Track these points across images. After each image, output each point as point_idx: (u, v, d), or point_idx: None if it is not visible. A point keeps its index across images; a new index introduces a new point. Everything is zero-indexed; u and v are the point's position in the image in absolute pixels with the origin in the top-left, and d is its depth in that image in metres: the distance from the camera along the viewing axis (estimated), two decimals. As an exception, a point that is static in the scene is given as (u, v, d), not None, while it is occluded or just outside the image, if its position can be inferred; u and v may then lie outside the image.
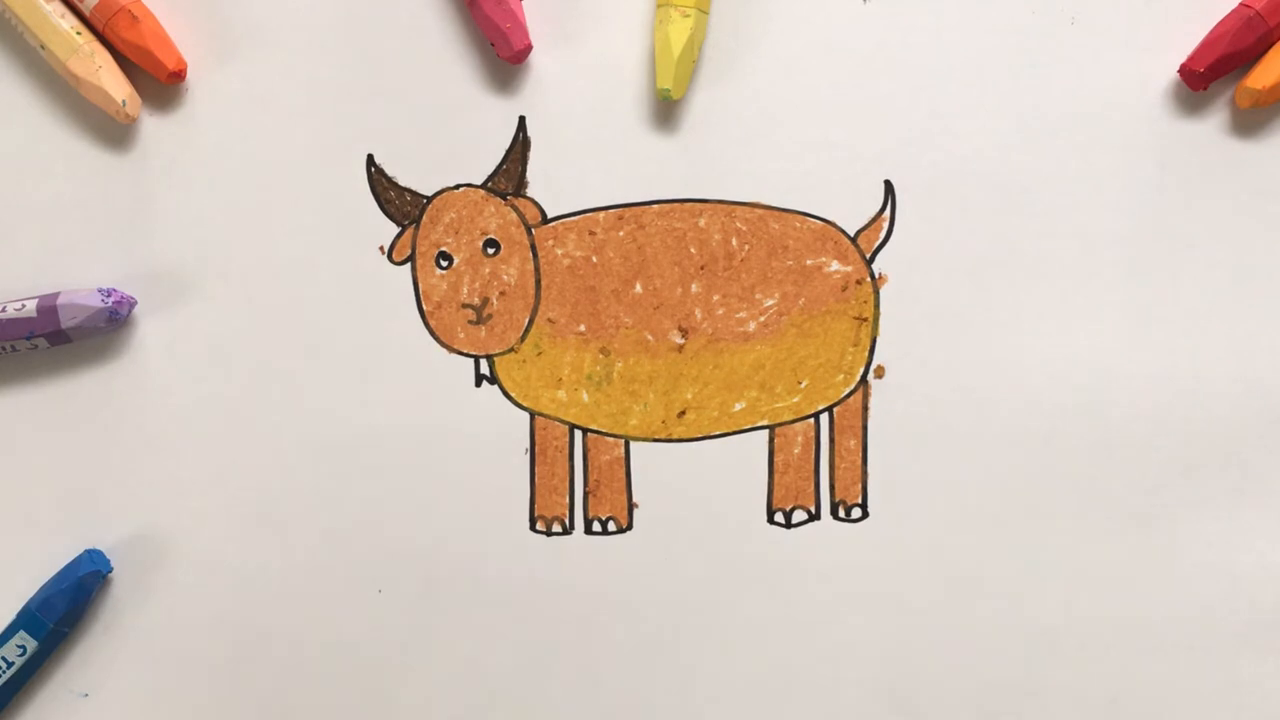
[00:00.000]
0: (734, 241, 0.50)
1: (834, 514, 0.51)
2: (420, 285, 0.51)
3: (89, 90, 0.49)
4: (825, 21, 0.50)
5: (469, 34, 0.50)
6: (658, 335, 0.51)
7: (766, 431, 0.51)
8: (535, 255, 0.51)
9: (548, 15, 0.50)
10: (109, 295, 0.49)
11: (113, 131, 0.50)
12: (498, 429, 0.51)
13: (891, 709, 0.51)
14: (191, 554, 0.51)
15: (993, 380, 0.50)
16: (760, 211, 0.50)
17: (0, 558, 0.51)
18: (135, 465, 0.51)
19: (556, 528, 0.51)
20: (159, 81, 0.50)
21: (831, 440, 0.51)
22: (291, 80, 0.50)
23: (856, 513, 0.51)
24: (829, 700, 0.51)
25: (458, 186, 0.50)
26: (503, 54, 0.49)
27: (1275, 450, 0.50)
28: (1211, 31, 0.49)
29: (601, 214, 0.50)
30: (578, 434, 0.51)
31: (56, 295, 0.49)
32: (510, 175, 0.50)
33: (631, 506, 0.51)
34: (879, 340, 0.51)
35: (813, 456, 0.51)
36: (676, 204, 0.50)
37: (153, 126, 0.51)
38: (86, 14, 0.49)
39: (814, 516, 0.51)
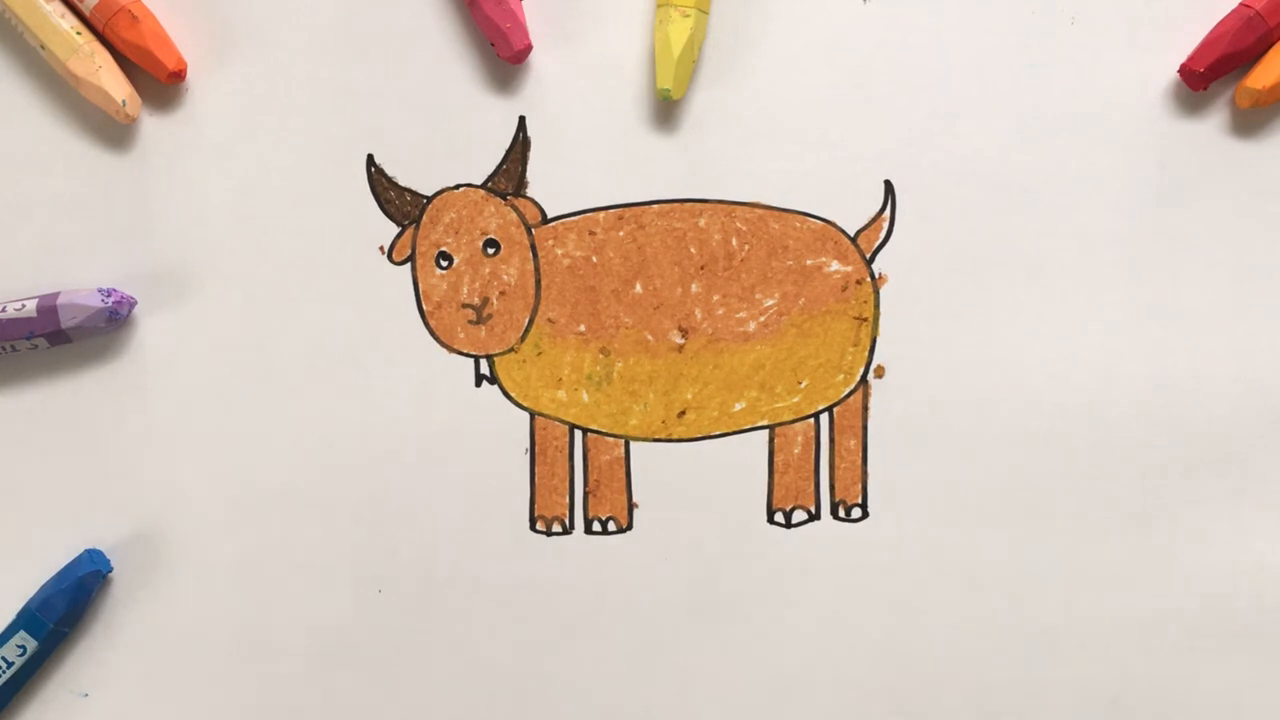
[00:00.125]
0: (734, 241, 0.50)
1: (834, 514, 0.51)
2: (420, 285, 0.51)
3: (89, 90, 0.49)
4: (825, 21, 0.50)
5: (469, 34, 0.50)
6: (658, 335, 0.51)
7: (766, 431, 0.51)
8: (535, 255, 0.51)
9: (548, 15, 0.50)
10: (109, 295, 0.49)
11: (113, 131, 0.50)
12: (498, 429, 0.51)
13: (891, 709, 0.51)
14: (191, 554, 0.51)
15: (993, 380, 0.50)
16: (760, 211, 0.50)
17: (0, 558, 0.51)
18: (135, 465, 0.51)
19: (556, 528, 0.51)
20: (159, 81, 0.50)
21: (831, 440, 0.51)
22: (291, 80, 0.50)
23: (856, 513, 0.51)
24: (829, 700, 0.51)
25: (458, 186, 0.50)
26: (503, 54, 0.49)
27: (1275, 450, 0.50)
28: (1211, 31, 0.49)
29: (601, 214, 0.50)
30: (578, 434, 0.51)
31: (56, 295, 0.49)
32: (510, 175, 0.50)
33: (631, 506, 0.51)
34: (879, 340, 0.51)
35: (813, 456, 0.51)
36: (676, 204, 0.50)
37: (153, 126, 0.51)
38: (86, 14, 0.49)
39: (814, 516, 0.51)
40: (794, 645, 0.51)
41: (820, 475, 0.51)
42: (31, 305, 0.49)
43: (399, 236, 0.51)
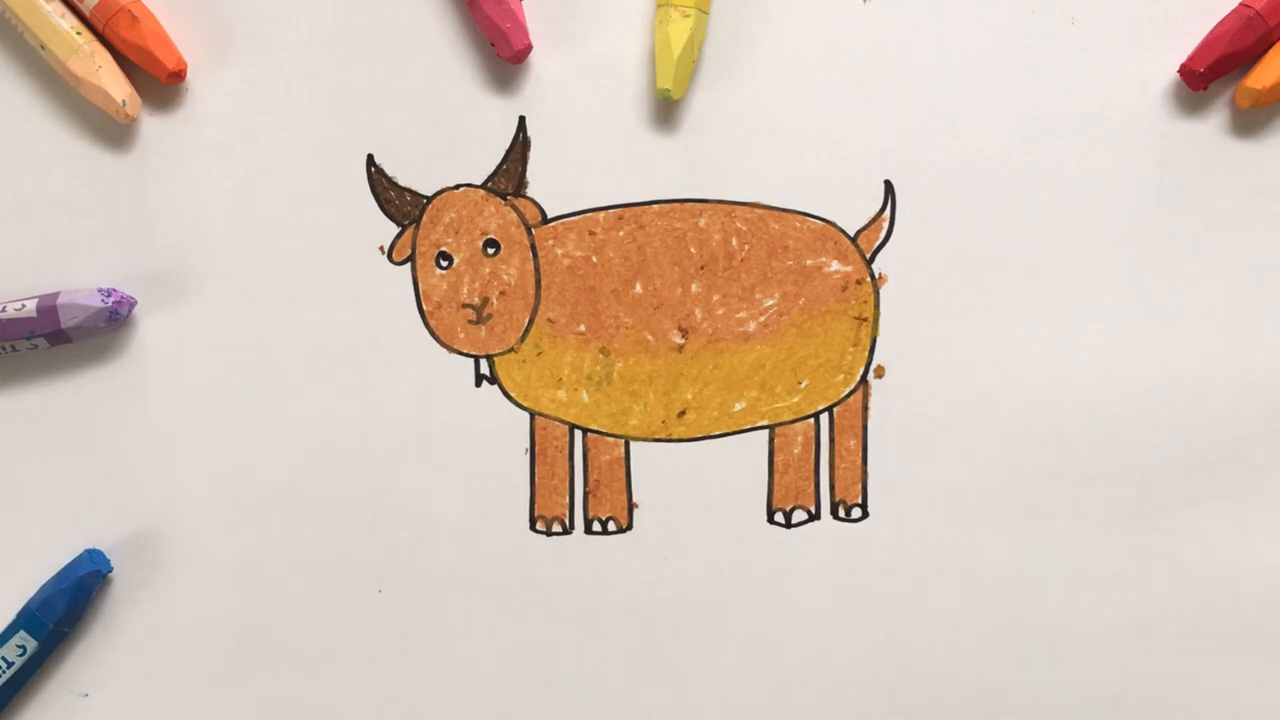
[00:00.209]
0: (734, 241, 0.50)
1: (834, 514, 0.51)
2: (420, 285, 0.51)
3: (89, 90, 0.49)
4: (825, 21, 0.50)
5: (469, 34, 0.50)
6: (658, 335, 0.51)
7: (766, 431, 0.51)
8: (535, 255, 0.51)
9: (548, 15, 0.50)
10: (109, 295, 0.49)
11: (113, 131, 0.50)
12: (498, 429, 0.51)
13: (891, 709, 0.51)
14: (191, 554, 0.51)
15: (993, 380, 0.50)
16: (760, 211, 0.50)
17: (0, 558, 0.51)
18: (135, 465, 0.51)
19: (556, 528, 0.51)
20: (159, 81, 0.50)
21: (831, 440, 0.51)
22: (291, 80, 0.50)
23: (856, 513, 0.51)
24: (829, 700, 0.51)
25: (458, 186, 0.50)
26: (503, 54, 0.49)
27: (1275, 450, 0.50)
28: (1211, 31, 0.49)
29: (601, 214, 0.50)
30: (578, 434, 0.51)
31: (56, 295, 0.49)
32: (510, 175, 0.50)
33: (631, 506, 0.51)
34: (879, 340, 0.51)
35: (813, 456, 0.51)
36: (676, 204, 0.50)
37: (153, 126, 0.51)
38: (86, 14, 0.49)
39: (814, 516, 0.51)
40: (794, 645, 0.51)
41: (820, 475, 0.51)
42: (31, 305, 0.49)
43: (399, 236, 0.51)
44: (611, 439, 0.51)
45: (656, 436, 0.51)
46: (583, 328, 0.51)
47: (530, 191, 0.50)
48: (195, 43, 0.50)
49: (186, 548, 0.51)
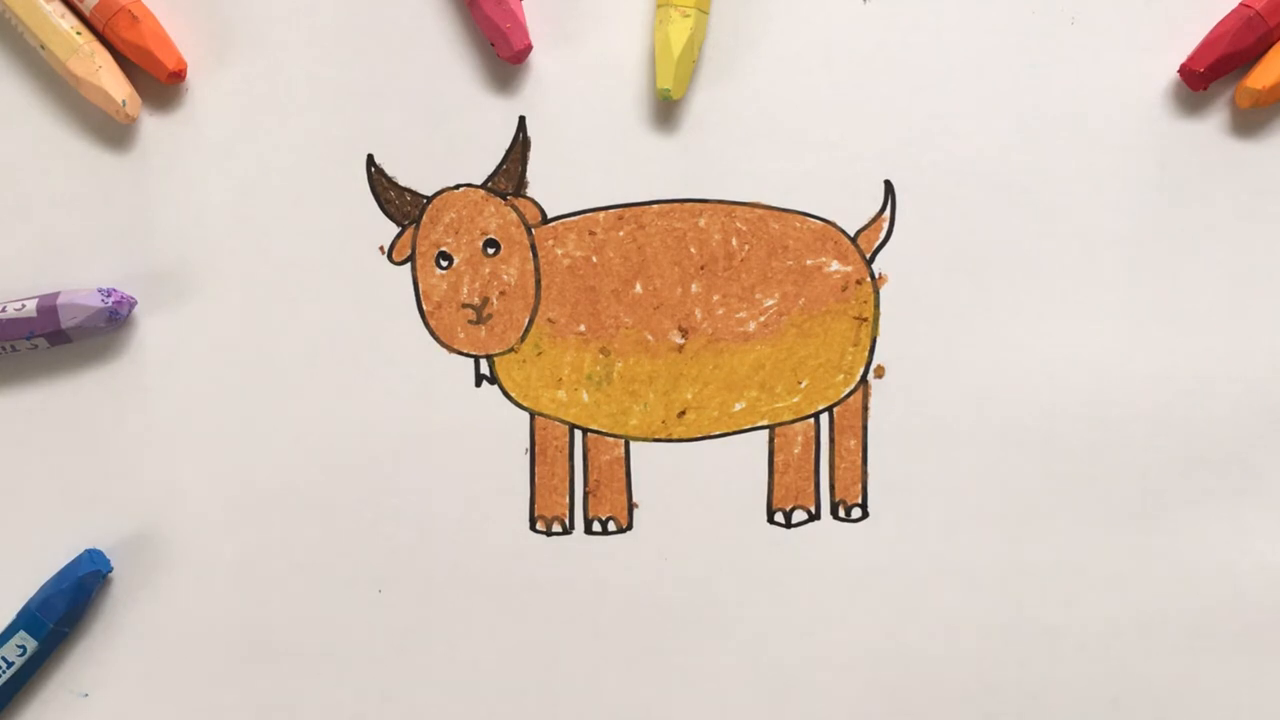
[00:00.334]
0: (734, 241, 0.50)
1: (834, 514, 0.51)
2: (420, 285, 0.51)
3: (89, 90, 0.49)
4: (825, 21, 0.50)
5: (469, 34, 0.50)
6: (658, 335, 0.51)
7: (766, 431, 0.51)
8: (535, 255, 0.51)
9: (548, 15, 0.50)
10: (109, 295, 0.49)
11: (113, 131, 0.50)
12: (498, 429, 0.51)
13: (891, 709, 0.51)
14: (191, 554, 0.51)
15: (993, 380, 0.50)
16: (760, 211, 0.50)
17: (0, 558, 0.51)
18: (135, 465, 0.51)
19: (556, 528, 0.51)
20: (159, 81, 0.50)
21: (831, 440, 0.51)
22: (291, 80, 0.50)
23: (856, 513, 0.51)
24: (829, 700, 0.51)
25: (458, 186, 0.50)
26: (503, 54, 0.49)
27: (1275, 450, 0.50)
28: (1211, 31, 0.49)
29: (601, 214, 0.50)
30: (578, 434, 0.51)
31: (56, 295, 0.49)
32: (510, 175, 0.50)
33: (631, 506, 0.51)
34: (879, 340, 0.51)
35: (813, 456, 0.51)
36: (676, 204, 0.50)
37: (153, 126, 0.51)
38: (86, 14, 0.49)
39: (814, 516, 0.51)
40: (794, 645, 0.51)
41: (820, 475, 0.51)
42: (31, 305, 0.49)
43: (399, 236, 0.51)
44: (611, 439, 0.51)
45: (656, 436, 0.51)
46: (583, 328, 0.51)
47: (530, 191, 0.50)
48: (195, 43, 0.50)
49: (186, 548, 0.51)
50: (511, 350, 0.51)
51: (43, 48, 0.49)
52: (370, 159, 0.50)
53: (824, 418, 0.51)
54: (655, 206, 0.50)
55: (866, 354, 0.51)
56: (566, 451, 0.51)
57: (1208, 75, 0.48)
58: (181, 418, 0.51)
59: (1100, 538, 0.51)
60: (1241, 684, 0.51)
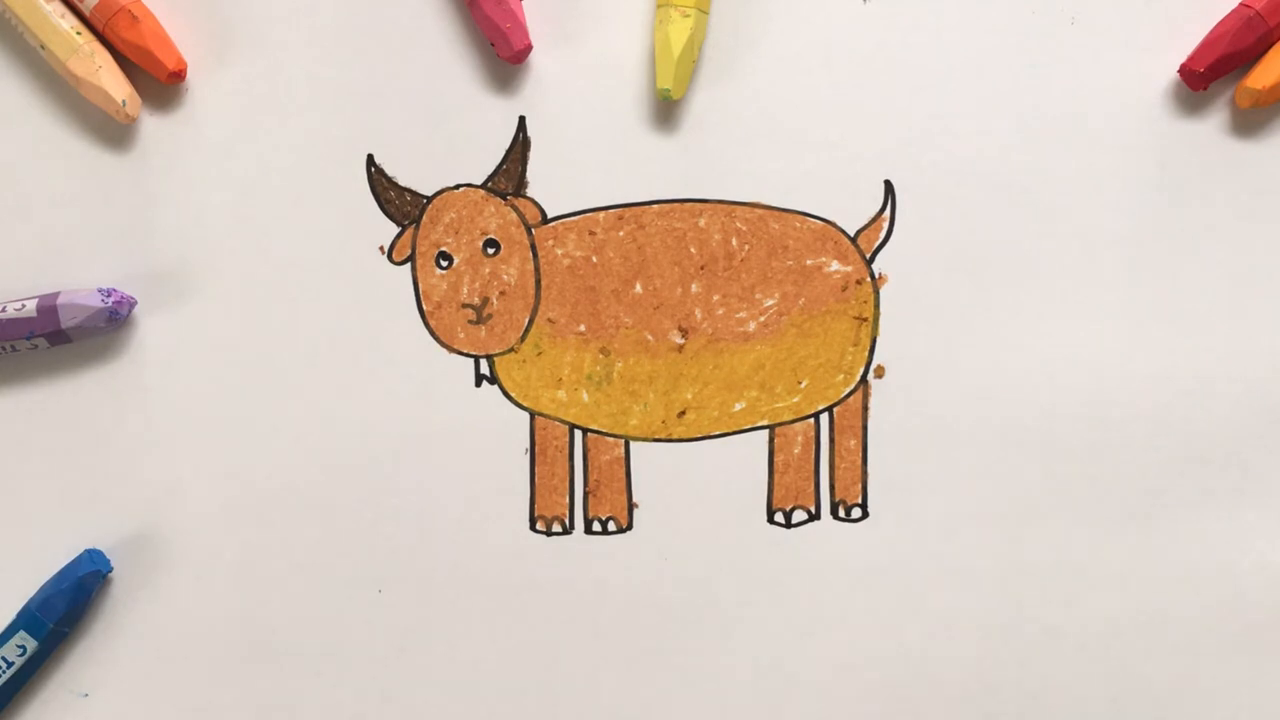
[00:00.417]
0: (734, 241, 0.50)
1: (834, 514, 0.51)
2: (420, 285, 0.51)
3: (89, 90, 0.49)
4: (825, 21, 0.50)
5: (469, 34, 0.50)
6: (658, 335, 0.51)
7: (766, 431, 0.51)
8: (535, 255, 0.51)
9: (548, 15, 0.50)
10: (109, 295, 0.49)
11: (113, 131, 0.50)
12: (498, 429, 0.51)
13: (892, 709, 0.51)
14: (191, 554, 0.51)
15: (993, 380, 0.50)
16: (760, 211, 0.50)
17: (0, 558, 0.51)
18: (135, 465, 0.51)
19: (556, 528, 0.51)
20: (159, 81, 0.50)
21: (831, 440, 0.51)
22: (291, 80, 0.50)
23: (856, 513, 0.51)
24: (829, 700, 0.51)
25: (458, 186, 0.50)
26: (503, 54, 0.49)
27: (1275, 450, 0.50)
28: (1211, 31, 0.49)
29: (601, 214, 0.50)
30: (578, 434, 0.51)
31: (56, 295, 0.49)
32: (510, 175, 0.50)
33: (631, 506, 0.51)
34: (879, 340, 0.51)
35: (813, 456, 0.51)
36: (676, 204, 0.50)
37: (153, 126, 0.51)
38: (86, 14, 0.49)
39: (814, 516, 0.51)
40: (794, 645, 0.51)
41: (820, 475, 0.51)
42: (31, 305, 0.49)
43: (399, 236, 0.51)
44: (611, 439, 0.51)
45: (656, 436, 0.51)
46: (583, 328, 0.51)
47: (530, 191, 0.50)
48: (195, 43, 0.50)
49: (186, 548, 0.51)
50: (511, 350, 0.51)
51: (43, 48, 0.49)
52: (370, 159, 0.50)
53: (824, 418, 0.51)
54: (655, 206, 0.50)
55: (866, 354, 0.51)
56: (566, 451, 0.51)
57: (1208, 75, 0.48)
58: (181, 418, 0.51)
59: (1100, 538, 0.51)
60: (1241, 684, 0.51)
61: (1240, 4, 0.48)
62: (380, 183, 0.50)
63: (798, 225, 0.50)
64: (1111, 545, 0.51)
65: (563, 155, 0.50)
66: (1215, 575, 0.50)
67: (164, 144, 0.50)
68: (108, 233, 0.50)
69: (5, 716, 0.51)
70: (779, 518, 0.51)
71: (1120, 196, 0.50)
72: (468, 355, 0.51)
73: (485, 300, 0.51)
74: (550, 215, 0.50)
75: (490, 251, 0.51)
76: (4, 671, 0.50)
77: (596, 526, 0.51)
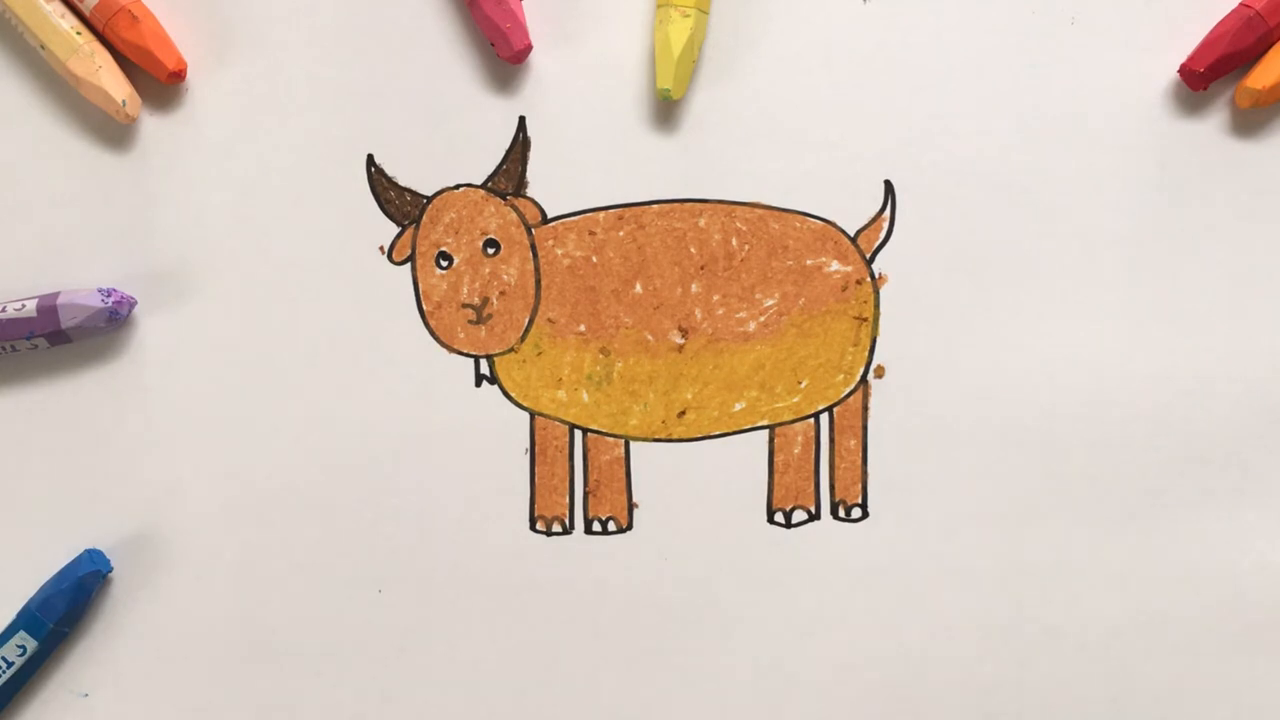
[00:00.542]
0: (734, 241, 0.50)
1: (834, 514, 0.51)
2: (420, 285, 0.51)
3: (89, 90, 0.49)
4: (825, 21, 0.50)
5: (469, 34, 0.50)
6: (658, 335, 0.51)
7: (766, 431, 0.51)
8: (535, 255, 0.51)
9: (548, 15, 0.50)
10: (109, 295, 0.49)
11: (113, 131, 0.50)
12: (498, 429, 0.51)
13: (892, 709, 0.51)
14: (191, 554, 0.51)
15: (993, 380, 0.50)
16: (760, 211, 0.50)
17: (0, 558, 0.51)
18: (135, 465, 0.51)
19: (556, 528, 0.51)
20: (159, 81, 0.50)
21: (831, 440, 0.51)
22: (291, 80, 0.50)
23: (856, 513, 0.51)
24: (829, 700, 0.51)
25: (458, 186, 0.50)
26: (503, 54, 0.49)
27: (1275, 450, 0.50)
28: (1211, 31, 0.49)
29: (601, 214, 0.50)
30: (578, 434, 0.51)
31: (56, 295, 0.49)
32: (510, 175, 0.50)
33: (631, 506, 0.51)
34: (879, 340, 0.51)
35: (813, 456, 0.51)
36: (676, 204, 0.50)
37: (153, 126, 0.51)
38: (86, 14, 0.49)
39: (814, 516, 0.51)
40: (794, 645, 0.51)
41: (820, 475, 0.51)
42: (31, 305, 0.49)
43: (399, 236, 0.51)
44: (611, 439, 0.51)
45: (656, 436, 0.51)
46: (583, 328, 0.51)
47: (530, 191, 0.50)
48: (195, 43, 0.50)
49: (186, 548, 0.51)
50: (511, 350, 0.51)
51: (43, 48, 0.49)
52: (370, 159, 0.50)
53: (824, 418, 0.51)
54: (655, 206, 0.50)
55: (866, 354, 0.51)
56: (566, 451, 0.51)
57: (1208, 75, 0.48)
58: (181, 418, 0.51)
59: (1100, 538, 0.51)
60: (1241, 684, 0.51)
61: (1240, 4, 0.48)
62: (380, 183, 0.50)
63: (798, 225, 0.50)
64: (1111, 545, 0.51)
65: (563, 155, 0.50)
66: (1215, 575, 0.50)
67: (164, 144, 0.50)
68: (108, 233, 0.50)
69: (5, 716, 0.51)
70: (779, 518, 0.51)
71: (1120, 196, 0.50)
72: (468, 355, 0.51)
73: (485, 300, 0.51)
74: (550, 215, 0.50)
75: (490, 251, 0.51)
76: (4, 671, 0.50)
77: (596, 526, 0.51)
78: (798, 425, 0.51)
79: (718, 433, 0.51)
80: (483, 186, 0.50)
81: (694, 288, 0.51)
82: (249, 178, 0.50)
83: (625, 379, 0.51)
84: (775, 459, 0.51)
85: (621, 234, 0.50)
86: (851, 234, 0.50)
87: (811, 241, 0.50)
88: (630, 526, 0.51)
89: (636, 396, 0.51)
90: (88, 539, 0.51)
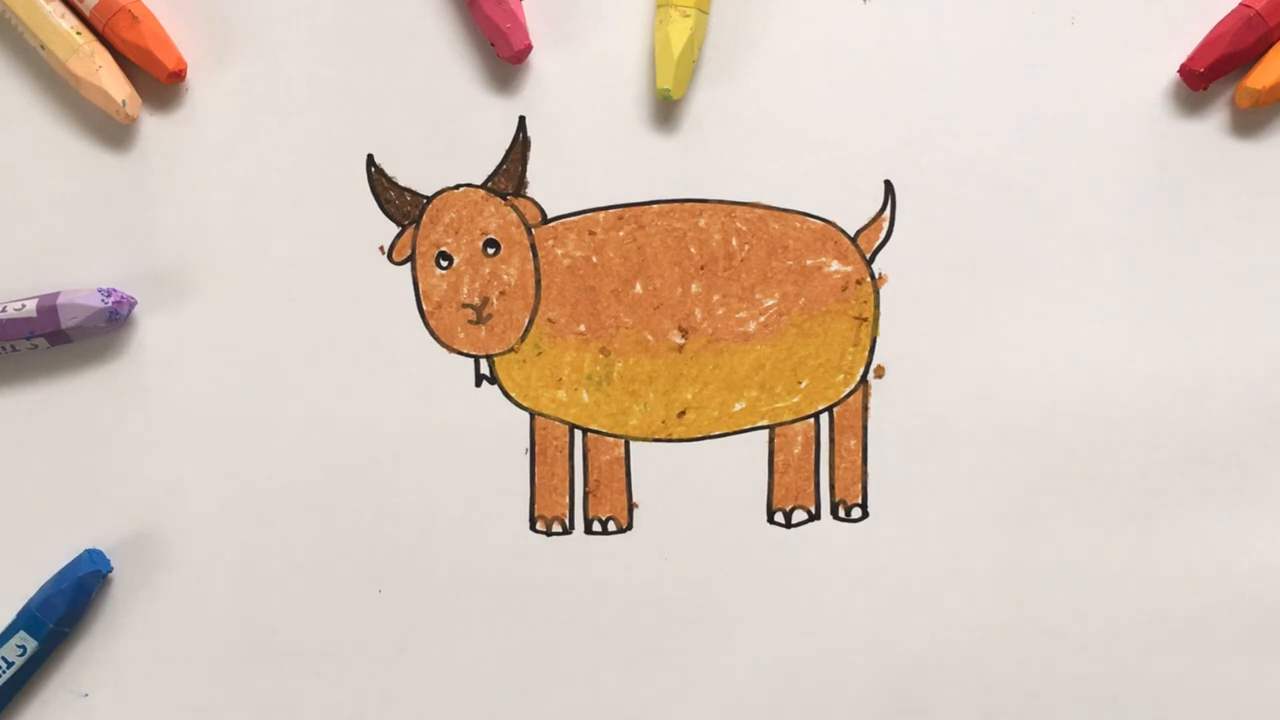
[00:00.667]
0: (734, 241, 0.50)
1: (834, 514, 0.51)
2: (420, 285, 0.51)
3: (89, 90, 0.49)
4: (825, 21, 0.50)
5: (469, 34, 0.50)
6: (658, 335, 0.51)
7: (766, 431, 0.51)
8: (535, 255, 0.51)
9: (548, 15, 0.50)
10: (109, 295, 0.49)
11: (113, 131, 0.50)
12: (498, 429, 0.51)
13: (891, 709, 0.51)
14: (191, 554, 0.51)
15: (993, 380, 0.50)
16: (760, 211, 0.50)
17: (0, 558, 0.51)
18: (135, 465, 0.51)
19: (556, 528, 0.51)
20: (159, 81, 0.50)
21: (831, 440, 0.51)
22: (291, 80, 0.50)
23: (856, 513, 0.51)
24: (829, 700, 0.51)
25: (458, 186, 0.50)
26: (503, 54, 0.49)
27: (1275, 450, 0.50)
28: (1211, 31, 0.49)
29: (601, 214, 0.50)
30: (578, 434, 0.51)
31: (56, 295, 0.49)
32: (510, 175, 0.50)
33: (631, 506, 0.51)
34: (879, 340, 0.51)
35: (813, 456, 0.51)
36: (676, 204, 0.50)
37: (153, 126, 0.51)
38: (86, 14, 0.49)
39: (814, 516, 0.51)
40: (794, 645, 0.51)
41: (820, 475, 0.51)
42: (31, 305, 0.49)
43: (399, 236, 0.51)
44: (611, 439, 0.51)
45: (656, 436, 0.51)
46: (583, 328, 0.51)
47: (530, 191, 0.50)
48: (195, 43, 0.50)
49: (186, 548, 0.51)
50: (511, 350, 0.51)
51: (43, 48, 0.49)
52: (370, 159, 0.50)
53: (824, 418, 0.51)
54: (655, 206, 0.50)
55: (866, 354, 0.51)
56: (566, 451, 0.51)
57: (1208, 75, 0.48)
58: (181, 418, 0.51)
59: (1100, 538, 0.51)
60: (1241, 684, 0.51)
61: (1240, 4, 0.48)
62: (380, 183, 0.50)
63: (798, 225, 0.50)
64: (1111, 545, 0.51)
65: (563, 155, 0.50)
66: (1215, 575, 0.50)
67: (164, 144, 0.50)
68: (108, 233, 0.50)
69: (5, 716, 0.51)
70: (779, 518, 0.51)
71: (1120, 196, 0.50)
72: (468, 355, 0.51)
73: (485, 300, 0.51)
74: (550, 215, 0.50)
75: (490, 251, 0.51)
76: (4, 671, 0.50)
77: (596, 526, 0.51)
78: (798, 425, 0.51)
79: (718, 433, 0.51)
80: (483, 186, 0.50)
81: (694, 288, 0.51)
82: (249, 178, 0.50)
83: (625, 379, 0.51)
84: (775, 459, 0.51)
85: (621, 234, 0.50)
86: (851, 234, 0.50)
87: (811, 241, 0.50)
88: (630, 526, 0.51)
89: (636, 396, 0.51)
90: (88, 539, 0.51)
